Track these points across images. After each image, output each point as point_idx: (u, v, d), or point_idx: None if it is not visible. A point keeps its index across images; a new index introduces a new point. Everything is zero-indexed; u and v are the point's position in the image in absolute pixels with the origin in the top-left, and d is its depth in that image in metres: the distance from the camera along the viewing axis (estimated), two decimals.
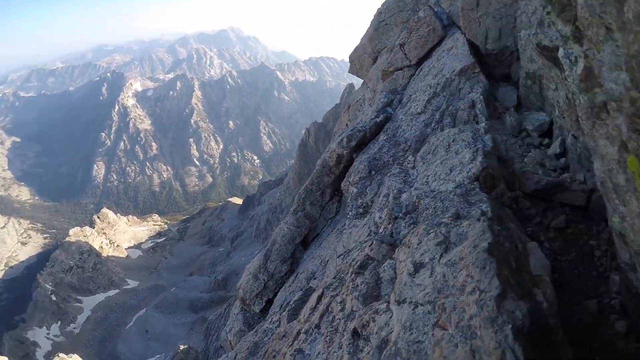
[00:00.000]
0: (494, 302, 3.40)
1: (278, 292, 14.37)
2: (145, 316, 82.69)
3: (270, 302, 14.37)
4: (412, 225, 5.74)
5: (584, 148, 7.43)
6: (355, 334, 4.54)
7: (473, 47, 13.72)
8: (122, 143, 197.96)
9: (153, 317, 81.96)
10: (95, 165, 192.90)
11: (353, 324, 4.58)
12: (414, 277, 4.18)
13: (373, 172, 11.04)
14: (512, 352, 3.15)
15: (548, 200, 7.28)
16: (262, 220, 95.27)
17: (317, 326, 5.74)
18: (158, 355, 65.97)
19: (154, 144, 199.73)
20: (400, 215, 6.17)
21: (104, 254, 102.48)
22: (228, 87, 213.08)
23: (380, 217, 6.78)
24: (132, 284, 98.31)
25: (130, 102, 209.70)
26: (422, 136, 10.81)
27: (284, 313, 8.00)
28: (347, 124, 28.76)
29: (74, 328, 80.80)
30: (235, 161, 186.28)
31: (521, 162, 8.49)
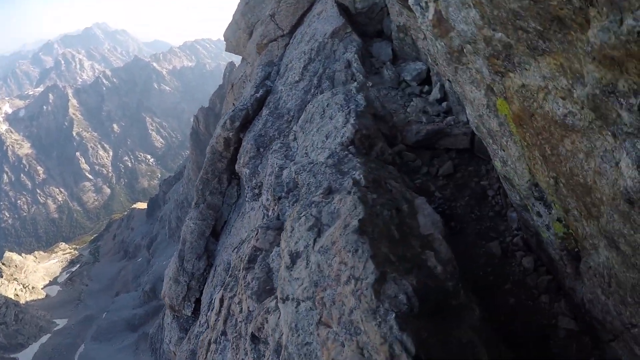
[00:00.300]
0: (371, 290, 3.03)
1: (203, 289, 14.01)
2: (86, 352, 77.29)
3: (199, 301, 13.79)
4: (295, 204, 5.31)
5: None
6: (254, 338, 4.06)
7: (343, 9, 13.60)
8: (4, 176, 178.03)
9: (94, 350, 76.77)
10: None
11: (250, 327, 4.09)
12: (291, 270, 3.73)
13: (262, 150, 10.51)
14: (401, 344, 2.77)
15: (432, 148, 7.19)
16: (172, 219, 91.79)
17: (224, 333, 5.23)
18: None
19: (39, 167, 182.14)
20: (283, 194, 5.70)
21: (22, 301, 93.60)
22: (104, 88, 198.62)
23: (267, 199, 6.28)
24: (61, 323, 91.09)
25: (3, 127, 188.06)
26: (304, 104, 10.39)
27: (210, 313, 7.42)
28: (233, 104, 27.98)
29: None
30: (130, 165, 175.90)
31: (404, 112, 8.37)
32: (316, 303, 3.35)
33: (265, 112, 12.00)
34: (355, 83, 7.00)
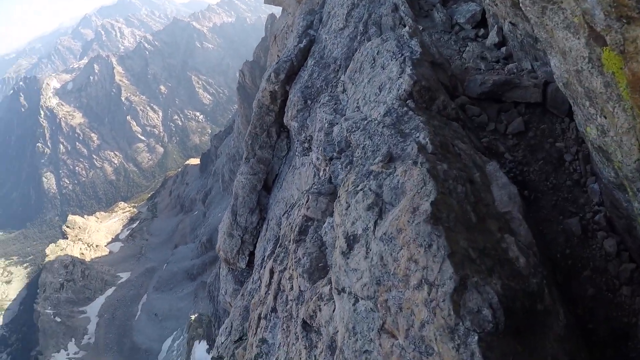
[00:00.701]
0: (450, 302, 2.48)
1: (256, 242, 14.12)
2: (149, 301, 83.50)
3: (252, 254, 14.16)
4: (348, 167, 4.84)
5: (527, 35, 6.57)
6: (305, 325, 3.79)
7: None
8: (61, 146, 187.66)
9: (156, 300, 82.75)
10: (44, 178, 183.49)
11: (302, 312, 3.80)
12: (348, 258, 3.23)
13: (309, 102, 10.21)
14: None
15: (499, 101, 6.51)
16: (224, 172, 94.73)
17: (274, 309, 5.08)
18: (175, 332, 67.05)
19: (93, 135, 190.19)
20: (335, 155, 5.30)
21: (88, 259, 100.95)
22: (147, 53, 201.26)
23: (317, 158, 5.93)
24: (124, 276, 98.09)
25: (54, 102, 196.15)
26: (350, 52, 9.89)
27: (262, 271, 7.32)
28: (277, 55, 27.74)
29: (89, 339, 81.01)
30: (180, 124, 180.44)
31: (460, 58, 7.72)
32: (378, 305, 2.89)
33: (310, 62, 11.60)
34: (407, 27, 6.38)
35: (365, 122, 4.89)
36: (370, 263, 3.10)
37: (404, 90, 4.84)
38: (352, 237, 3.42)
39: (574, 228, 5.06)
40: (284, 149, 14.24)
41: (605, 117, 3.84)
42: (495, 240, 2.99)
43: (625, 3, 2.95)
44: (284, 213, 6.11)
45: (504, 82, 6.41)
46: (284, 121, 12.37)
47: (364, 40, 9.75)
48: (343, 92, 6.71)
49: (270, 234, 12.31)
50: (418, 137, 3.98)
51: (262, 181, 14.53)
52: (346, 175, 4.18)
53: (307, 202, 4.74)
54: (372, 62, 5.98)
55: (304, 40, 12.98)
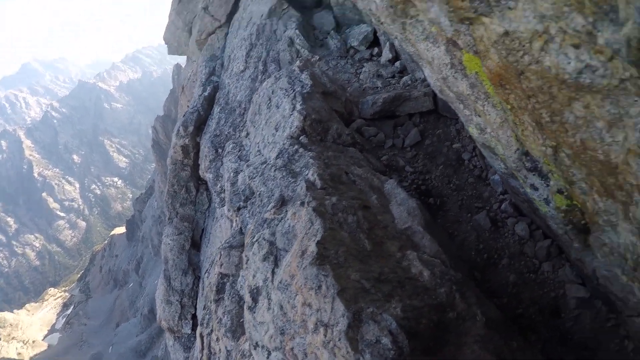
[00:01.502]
0: (345, 340, 2.40)
1: (196, 304, 13.66)
2: None
3: (195, 316, 13.48)
4: (255, 216, 4.65)
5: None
6: None
7: None
8: None
9: None
10: None
11: None
12: (254, 312, 3.07)
13: (220, 150, 9.88)
14: None
15: (394, 116, 6.59)
16: (152, 236, 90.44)
17: None
18: None
19: (9, 219, 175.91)
20: (242, 204, 5.03)
21: (26, 359, 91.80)
22: (56, 122, 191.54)
23: (228, 209, 5.62)
24: None
25: None
26: (253, 93, 9.75)
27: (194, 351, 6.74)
28: (187, 106, 27.49)
29: None
30: (99, 192, 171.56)
31: (358, 80, 7.79)
32: (287, 355, 2.74)
33: (216, 110, 11.36)
34: (297, 62, 6.31)
35: (264, 166, 4.69)
36: (272, 314, 3.01)
37: (296, 127, 4.73)
38: (255, 290, 3.30)
39: (483, 222, 5.18)
40: (205, 202, 13.86)
41: (480, 116, 3.98)
42: (394, 262, 2.91)
43: (461, 5, 3.04)
44: (205, 272, 5.74)
45: (394, 97, 6.54)
46: (200, 174, 11.99)
47: (264, 79, 9.68)
48: (247, 137, 6.51)
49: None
50: (307, 174, 3.86)
51: (189, 239, 13.85)
52: (247, 231, 3.98)
53: (219, 258, 4.43)
54: (268, 102, 5.83)
55: (208, 88, 12.77)
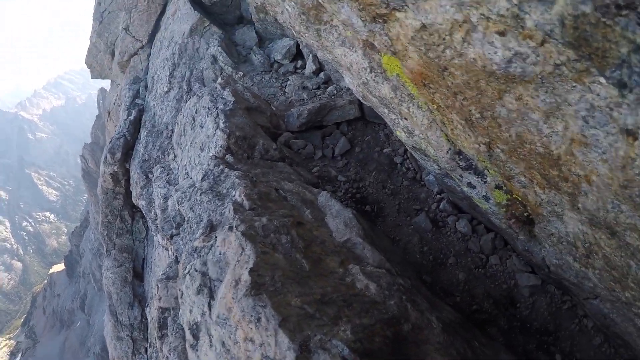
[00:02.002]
0: None
1: (148, 337, 13.14)
2: None
3: (146, 350, 12.98)
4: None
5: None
6: None
7: (196, 2, 12.85)
8: None
9: None
10: None
11: None
12: (197, 351, 2.85)
13: (150, 176, 9.59)
14: None
15: (322, 126, 6.65)
16: (94, 270, 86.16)
17: None
18: None
19: None
20: (174, 231, 4.88)
21: None
22: None
23: (162, 237, 5.46)
24: None
25: None
26: (179, 114, 9.63)
27: None
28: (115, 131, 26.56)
29: None
30: (32, 230, 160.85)
31: (283, 94, 7.84)
32: None
33: (143, 133, 11.03)
34: (219, 79, 6.26)
35: (191, 190, 4.56)
36: (215, 352, 2.77)
37: (220, 146, 4.64)
38: (194, 327, 3.06)
39: (424, 223, 5.24)
40: (142, 230, 13.37)
41: (406, 119, 3.86)
42: (338, 278, 2.84)
43: (371, 1, 2.83)
44: (147, 305, 5.50)
45: (320, 107, 6.57)
46: (133, 201, 11.62)
47: (189, 99, 9.58)
48: (174, 160, 6.37)
49: None
50: (234, 195, 3.74)
51: (130, 271, 13.28)
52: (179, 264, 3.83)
53: (157, 291, 4.25)
54: (192, 122, 5.70)
55: (133, 112, 12.37)
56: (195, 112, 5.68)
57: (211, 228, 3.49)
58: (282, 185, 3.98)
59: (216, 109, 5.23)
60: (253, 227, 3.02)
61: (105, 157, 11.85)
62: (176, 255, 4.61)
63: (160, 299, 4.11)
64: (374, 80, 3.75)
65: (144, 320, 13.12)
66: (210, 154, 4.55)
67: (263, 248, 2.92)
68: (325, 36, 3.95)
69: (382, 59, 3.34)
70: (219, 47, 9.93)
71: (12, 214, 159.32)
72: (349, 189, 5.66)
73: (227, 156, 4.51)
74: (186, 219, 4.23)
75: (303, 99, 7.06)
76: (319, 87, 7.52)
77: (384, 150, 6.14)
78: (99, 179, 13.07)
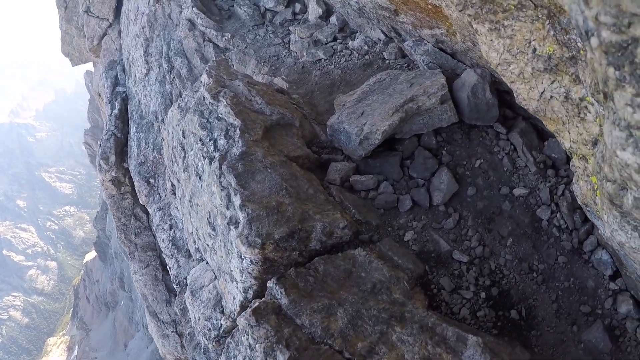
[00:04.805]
0: None
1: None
2: None
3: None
4: None
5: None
6: None
7: None
8: None
9: None
10: None
11: None
12: None
13: (152, 181, 8.22)
14: None
15: (392, 140, 4.28)
16: (123, 247, 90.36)
17: None
18: None
19: None
20: None
21: None
22: None
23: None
24: None
25: None
26: (166, 99, 7.98)
27: None
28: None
29: None
30: (56, 227, 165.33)
31: (289, 54, 6.06)
32: None
33: (133, 129, 9.55)
34: (205, 75, 4.12)
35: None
36: None
37: (251, 262, 2.89)
38: None
39: (600, 340, 3.40)
40: None
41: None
42: None
43: None
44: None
45: (400, 121, 4.02)
46: (141, 200, 10.52)
47: (174, 78, 7.84)
48: (172, 194, 4.68)
49: None
50: None
51: (159, 267, 12.57)
52: None
53: None
54: (182, 153, 3.93)
55: (116, 104, 10.85)
56: (184, 137, 3.85)
57: None
58: (390, 334, 2.40)
59: (216, 149, 3.44)
60: None
61: (100, 165, 10.59)
62: None
63: None
64: None
65: (184, 312, 12.91)
66: (238, 281, 2.82)
67: None
68: None
69: None
70: (194, 8, 8.11)
71: (35, 218, 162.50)
72: (477, 277, 3.57)
73: (270, 286, 2.83)
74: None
75: (320, 59, 5.23)
76: (335, 39, 5.59)
77: (515, 192, 3.99)
78: (101, 187, 12.15)
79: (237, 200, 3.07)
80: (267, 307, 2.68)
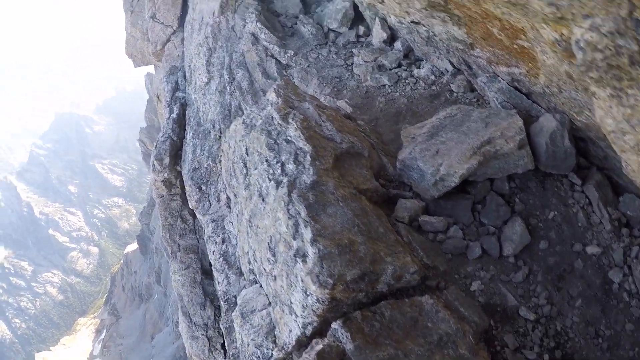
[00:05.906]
0: None
1: (223, 333, 12.90)
2: None
3: (224, 345, 12.92)
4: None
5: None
6: None
7: None
8: None
9: None
10: None
11: None
12: None
13: (204, 187, 8.34)
14: None
15: (465, 181, 4.11)
16: (165, 245, 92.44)
17: None
18: None
19: (23, 263, 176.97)
20: None
21: None
22: (43, 158, 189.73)
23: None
24: None
25: None
26: (225, 109, 8.07)
27: None
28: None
29: None
30: (103, 216, 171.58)
31: (352, 77, 6.01)
32: None
33: (189, 134, 9.75)
34: (272, 93, 4.08)
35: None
36: None
37: (317, 300, 2.80)
38: None
39: None
40: None
41: None
42: None
43: None
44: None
45: (479, 164, 3.83)
46: (190, 205, 10.66)
47: (235, 90, 7.95)
48: (227, 207, 4.76)
49: (228, 317, 11.05)
50: None
51: (199, 271, 12.82)
52: None
53: None
54: (244, 170, 3.88)
55: (175, 108, 11.13)
56: (247, 154, 3.87)
57: None
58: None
59: (284, 174, 3.34)
60: None
61: (154, 165, 10.84)
62: None
63: None
64: None
65: (217, 318, 12.96)
66: (301, 318, 2.74)
67: None
68: None
69: None
70: (258, 22, 8.24)
71: (83, 205, 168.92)
72: (542, 338, 3.36)
73: (333, 324, 2.74)
74: None
75: (384, 86, 5.15)
76: (399, 65, 5.51)
77: (588, 250, 3.76)
78: (151, 187, 12.45)
79: (307, 233, 3.02)
80: (331, 351, 2.60)
